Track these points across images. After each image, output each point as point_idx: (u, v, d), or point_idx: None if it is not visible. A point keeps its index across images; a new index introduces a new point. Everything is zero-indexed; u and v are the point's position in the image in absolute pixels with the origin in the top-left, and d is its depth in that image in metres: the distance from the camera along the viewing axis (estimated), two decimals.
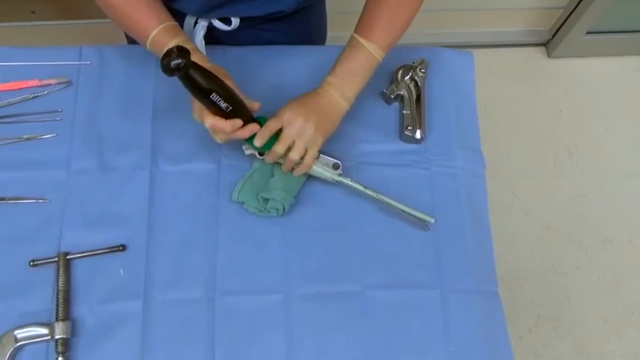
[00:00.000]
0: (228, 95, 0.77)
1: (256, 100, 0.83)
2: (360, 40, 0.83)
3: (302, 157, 0.84)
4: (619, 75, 2.02)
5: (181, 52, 0.71)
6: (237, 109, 0.79)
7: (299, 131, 0.82)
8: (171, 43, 0.79)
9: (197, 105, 0.79)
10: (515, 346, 0.86)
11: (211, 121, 0.77)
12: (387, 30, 0.84)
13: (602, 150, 1.91)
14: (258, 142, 0.82)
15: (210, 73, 0.76)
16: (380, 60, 0.84)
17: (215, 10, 0.91)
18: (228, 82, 0.78)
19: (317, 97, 0.84)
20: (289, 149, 0.83)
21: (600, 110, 1.97)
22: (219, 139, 0.81)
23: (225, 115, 0.78)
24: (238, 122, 0.79)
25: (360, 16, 0.85)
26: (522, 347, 1.65)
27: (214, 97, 0.76)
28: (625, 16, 1.89)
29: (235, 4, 0.90)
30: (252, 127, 0.81)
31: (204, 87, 0.75)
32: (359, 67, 0.84)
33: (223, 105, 0.77)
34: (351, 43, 0.85)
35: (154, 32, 0.80)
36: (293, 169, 0.86)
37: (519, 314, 1.68)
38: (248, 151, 0.89)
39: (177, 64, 0.71)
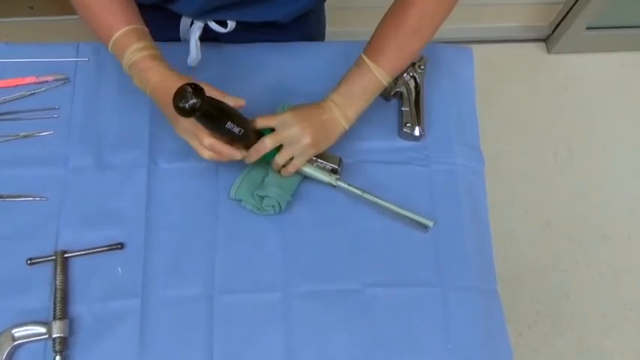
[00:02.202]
0: (240, 120, 0.77)
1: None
2: (368, 62, 0.82)
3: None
4: (619, 71, 2.01)
5: (196, 90, 0.69)
6: (247, 131, 0.79)
7: (291, 137, 0.82)
8: (134, 46, 0.77)
9: (183, 123, 0.77)
10: (515, 343, 0.86)
11: (210, 142, 0.76)
12: (396, 56, 0.83)
13: (602, 146, 1.91)
14: (250, 159, 0.82)
15: (222, 102, 0.75)
16: (386, 84, 0.84)
17: (211, 14, 0.90)
18: (214, 93, 0.76)
19: (320, 110, 0.84)
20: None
21: (600, 106, 1.96)
22: (207, 156, 0.78)
23: (236, 137, 0.78)
24: (237, 154, 0.79)
25: (372, 38, 0.84)
26: (522, 344, 1.65)
27: (229, 125, 0.75)
28: (625, 12, 1.88)
29: (231, 9, 0.89)
30: (234, 153, 0.80)
31: (221, 120, 0.74)
32: (363, 90, 0.84)
33: (236, 130, 0.77)
34: (359, 63, 0.84)
35: (119, 33, 0.77)
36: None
37: (519, 311, 1.68)
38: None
39: (193, 104, 0.69)
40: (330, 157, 0.89)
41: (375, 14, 0.85)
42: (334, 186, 0.88)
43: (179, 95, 0.70)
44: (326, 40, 1.18)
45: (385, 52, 0.82)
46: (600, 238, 1.79)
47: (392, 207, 0.87)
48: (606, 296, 1.73)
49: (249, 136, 0.81)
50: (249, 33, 0.98)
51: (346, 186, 0.87)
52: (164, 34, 0.98)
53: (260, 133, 0.83)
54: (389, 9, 0.83)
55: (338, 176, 0.88)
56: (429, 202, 0.91)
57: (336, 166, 0.89)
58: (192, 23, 0.93)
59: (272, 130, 0.83)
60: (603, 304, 1.72)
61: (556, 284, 1.73)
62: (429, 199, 0.91)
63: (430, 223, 0.87)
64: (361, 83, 0.83)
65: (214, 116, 0.74)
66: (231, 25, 0.93)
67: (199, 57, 0.93)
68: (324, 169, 0.89)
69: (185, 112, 0.69)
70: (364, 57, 0.83)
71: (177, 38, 0.97)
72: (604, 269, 1.76)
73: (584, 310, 1.71)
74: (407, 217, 0.87)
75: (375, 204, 0.87)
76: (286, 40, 1.00)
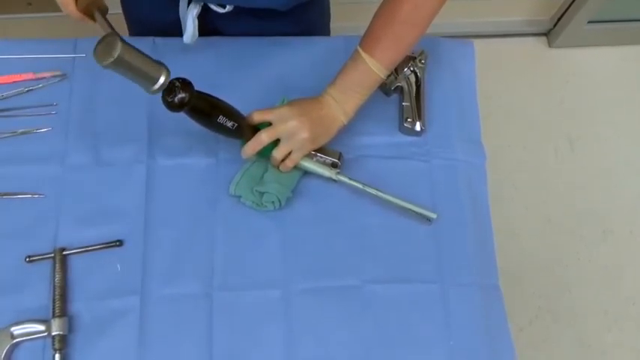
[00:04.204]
0: (232, 114, 0.77)
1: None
2: (364, 55, 0.81)
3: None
4: (621, 65, 2.00)
5: (184, 84, 0.69)
6: (240, 125, 0.79)
7: (288, 131, 0.81)
8: None
9: None
10: (516, 338, 0.86)
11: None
12: (392, 48, 0.82)
13: (604, 141, 1.90)
14: (246, 153, 0.82)
15: (212, 96, 0.74)
16: (383, 77, 0.83)
17: None
18: None
19: (319, 105, 0.83)
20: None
21: (602, 100, 1.95)
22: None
23: (230, 132, 0.78)
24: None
25: (367, 30, 0.83)
26: (523, 339, 1.65)
27: (221, 119, 0.75)
28: (626, 5, 1.87)
29: None
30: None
31: (212, 114, 0.74)
32: (360, 83, 0.83)
33: (229, 124, 0.76)
34: (355, 56, 0.83)
35: None
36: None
37: (520, 306, 1.68)
38: None
39: (181, 98, 0.69)
40: (330, 151, 0.89)
41: None
42: (335, 180, 0.87)
43: (167, 90, 0.70)
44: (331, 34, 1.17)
45: (380, 45, 0.81)
46: (602, 234, 1.79)
47: (394, 200, 0.86)
48: (608, 292, 1.72)
49: (243, 131, 0.80)
50: (248, 22, 0.96)
51: (347, 180, 0.87)
52: (163, 16, 0.97)
53: (257, 129, 0.82)
54: (382, 1, 0.82)
55: (338, 170, 0.88)
56: (430, 197, 0.91)
57: (337, 160, 0.88)
58: (189, 3, 0.91)
59: (269, 124, 0.82)
60: (605, 299, 1.71)
61: (557, 280, 1.73)
62: (430, 194, 0.91)
63: (434, 216, 0.87)
64: (358, 77, 0.83)
65: (204, 110, 0.74)
66: (229, 6, 0.91)
67: (196, 35, 0.92)
68: (324, 163, 0.88)
69: (174, 107, 0.70)
70: (360, 50, 0.82)
71: (176, 20, 0.96)
72: (605, 264, 1.75)
73: (585, 306, 1.70)
74: (410, 209, 0.87)
75: (377, 197, 0.87)
76: (286, 29, 0.99)
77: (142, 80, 0.70)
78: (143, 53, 0.70)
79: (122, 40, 0.67)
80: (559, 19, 1.94)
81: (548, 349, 1.66)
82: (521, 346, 1.63)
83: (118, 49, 0.66)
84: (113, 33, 0.68)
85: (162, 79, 0.69)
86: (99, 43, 0.68)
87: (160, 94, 0.72)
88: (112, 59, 0.66)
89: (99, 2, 0.73)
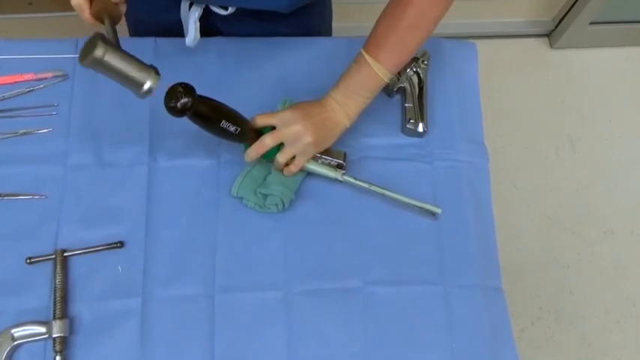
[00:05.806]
0: (235, 118, 0.77)
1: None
2: (368, 58, 0.81)
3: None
4: (622, 66, 2.00)
5: (187, 89, 0.69)
6: (243, 129, 0.78)
7: (292, 136, 0.81)
8: None
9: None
10: (518, 339, 0.86)
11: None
12: (396, 52, 0.82)
13: (605, 141, 1.90)
14: (250, 157, 0.82)
15: (214, 101, 0.74)
16: (387, 80, 0.83)
17: None
18: None
19: (322, 109, 0.83)
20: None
21: (603, 101, 1.95)
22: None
23: (233, 136, 0.78)
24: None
25: (370, 34, 0.83)
26: (524, 340, 1.65)
27: (224, 124, 0.75)
28: (629, 6, 1.87)
29: None
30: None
31: (215, 118, 0.74)
32: (363, 86, 0.83)
33: (232, 129, 0.76)
34: (358, 59, 0.83)
35: None
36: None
37: (521, 307, 1.68)
38: None
39: (184, 103, 0.69)
40: (335, 152, 0.89)
41: (380, 9, 0.84)
42: (340, 181, 0.87)
43: (170, 95, 0.70)
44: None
45: (384, 48, 0.81)
46: (603, 234, 1.79)
47: (399, 197, 0.86)
48: (609, 292, 1.72)
49: (246, 135, 0.80)
50: (250, 24, 0.96)
51: (352, 180, 0.86)
52: (164, 17, 0.97)
53: (260, 132, 0.82)
54: (387, 4, 0.82)
55: (344, 171, 0.88)
56: (432, 199, 0.90)
57: (342, 161, 0.88)
58: (191, 5, 0.91)
59: (272, 128, 0.82)
60: (606, 299, 1.71)
61: (558, 280, 1.73)
62: (432, 195, 0.91)
63: (438, 210, 0.87)
64: (361, 80, 0.83)
65: (207, 115, 0.74)
66: (231, 8, 0.91)
67: (198, 37, 0.91)
68: (329, 165, 0.88)
69: (176, 112, 0.69)
70: (364, 53, 0.82)
71: (177, 21, 0.96)
72: (607, 264, 1.75)
73: (587, 306, 1.70)
74: (414, 205, 0.87)
75: (382, 196, 0.87)
76: (287, 32, 0.99)
77: (127, 83, 0.70)
78: (132, 56, 0.70)
79: (105, 41, 0.67)
80: (561, 20, 1.94)
81: (550, 349, 1.66)
82: (523, 346, 1.63)
83: (97, 49, 0.66)
84: (100, 34, 0.68)
85: (148, 84, 0.70)
86: (85, 43, 0.69)
87: (155, 97, 0.72)
88: (89, 59, 0.66)
89: (109, 9, 0.73)
